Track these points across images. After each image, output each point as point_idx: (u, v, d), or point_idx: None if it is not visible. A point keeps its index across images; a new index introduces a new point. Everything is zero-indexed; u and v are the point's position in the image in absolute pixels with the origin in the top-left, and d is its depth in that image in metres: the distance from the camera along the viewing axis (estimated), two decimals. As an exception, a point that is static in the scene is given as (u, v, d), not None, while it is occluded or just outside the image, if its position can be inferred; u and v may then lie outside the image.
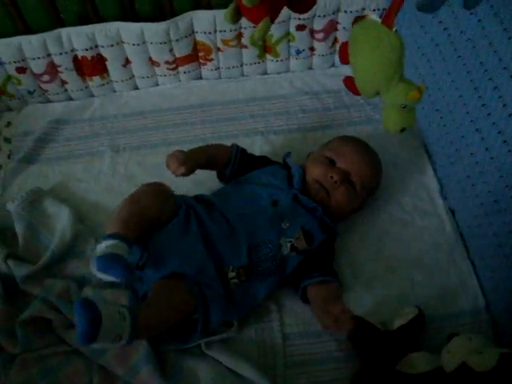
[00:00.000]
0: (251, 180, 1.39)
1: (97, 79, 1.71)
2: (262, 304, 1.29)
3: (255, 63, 1.74)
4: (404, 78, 0.96)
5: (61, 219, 1.39)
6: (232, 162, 1.41)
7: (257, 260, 1.25)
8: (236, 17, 0.89)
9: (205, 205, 1.32)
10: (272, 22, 0.86)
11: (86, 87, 1.74)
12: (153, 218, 1.23)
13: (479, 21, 1.19)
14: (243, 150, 1.44)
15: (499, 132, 1.14)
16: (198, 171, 1.36)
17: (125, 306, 1.04)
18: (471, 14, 1.20)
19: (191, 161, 1.31)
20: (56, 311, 1.23)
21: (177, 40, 1.61)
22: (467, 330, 1.26)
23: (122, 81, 1.74)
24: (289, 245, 1.27)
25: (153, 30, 1.58)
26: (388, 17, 0.87)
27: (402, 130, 1.03)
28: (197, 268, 1.19)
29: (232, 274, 1.22)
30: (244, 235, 1.25)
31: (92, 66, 1.67)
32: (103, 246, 1.09)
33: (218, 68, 1.75)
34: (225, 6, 1.56)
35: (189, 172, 1.31)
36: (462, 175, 1.34)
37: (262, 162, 1.45)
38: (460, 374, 1.02)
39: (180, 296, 1.15)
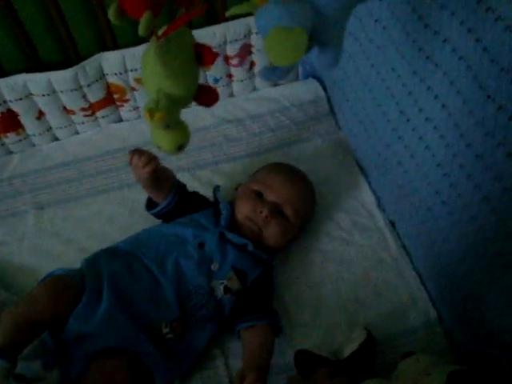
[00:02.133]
0: (176, 219, 1.30)
1: (12, 135, 1.62)
2: (205, 351, 1.21)
3: (174, 98, 1.68)
4: (166, 95, 0.81)
5: (-17, 291, 1.29)
6: (173, 193, 1.30)
7: (190, 309, 1.17)
8: (120, 15, 0.81)
9: (123, 259, 1.21)
10: (155, 15, 0.79)
11: (3, 144, 1.64)
12: (48, 320, 1.08)
13: (384, 28, 1.15)
14: (184, 187, 1.35)
15: (420, 138, 1.10)
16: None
17: None
18: (376, 21, 1.17)
19: (156, 161, 1.19)
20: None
21: (88, 85, 1.54)
22: (422, 344, 1.22)
23: (40, 134, 1.65)
24: (222, 287, 1.19)
25: (60, 77, 1.50)
26: (168, 29, 0.80)
27: (180, 147, 0.89)
28: (124, 337, 1.09)
29: (166, 330, 1.13)
30: (171, 286, 1.17)
31: (4, 123, 1.58)
32: None
33: (137, 108, 1.67)
34: (132, 45, 1.52)
35: (153, 172, 1.19)
36: (394, 185, 1.30)
37: (200, 202, 1.35)
38: (413, 398, 0.96)
39: (123, 377, 1.07)
